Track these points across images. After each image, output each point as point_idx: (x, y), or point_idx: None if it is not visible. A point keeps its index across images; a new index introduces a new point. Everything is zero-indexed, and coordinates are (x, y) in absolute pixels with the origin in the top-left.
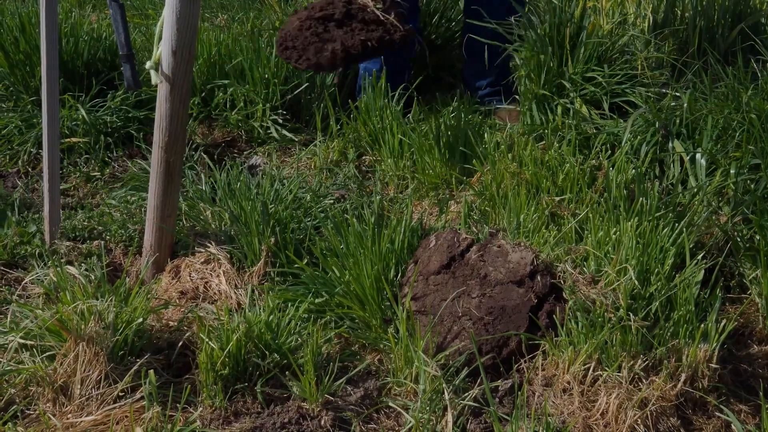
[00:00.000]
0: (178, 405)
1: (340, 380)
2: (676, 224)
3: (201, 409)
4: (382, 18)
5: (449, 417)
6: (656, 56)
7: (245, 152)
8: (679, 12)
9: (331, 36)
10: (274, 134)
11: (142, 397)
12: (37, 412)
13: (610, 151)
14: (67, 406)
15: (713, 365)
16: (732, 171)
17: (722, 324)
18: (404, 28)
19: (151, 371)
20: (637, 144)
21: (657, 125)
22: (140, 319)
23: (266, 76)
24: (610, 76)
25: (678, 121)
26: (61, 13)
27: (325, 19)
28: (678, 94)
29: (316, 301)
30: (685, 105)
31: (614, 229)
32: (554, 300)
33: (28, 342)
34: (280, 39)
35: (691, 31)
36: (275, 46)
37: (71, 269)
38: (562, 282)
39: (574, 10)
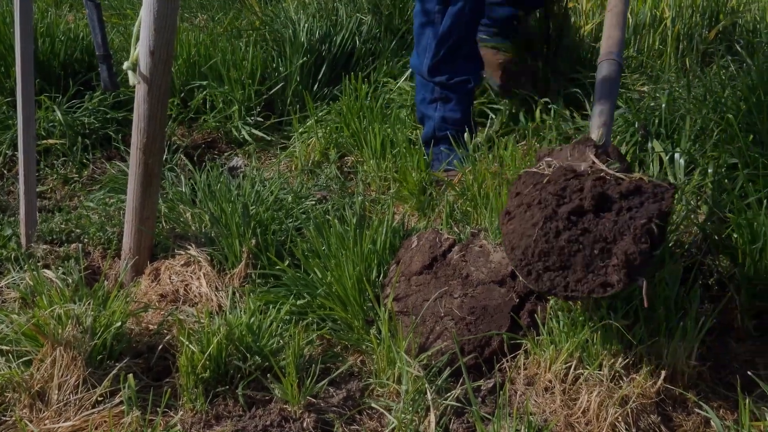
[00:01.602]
0: (158, 409)
1: (323, 382)
2: None
3: (182, 412)
4: (636, 183)
5: (432, 417)
6: (635, 57)
7: (225, 153)
8: (657, 13)
9: (596, 235)
10: (246, 137)
11: (121, 402)
12: (14, 418)
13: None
14: (44, 412)
15: (692, 362)
16: (710, 170)
17: (701, 322)
18: (669, 184)
19: (130, 375)
20: (617, 143)
21: (636, 125)
22: (119, 323)
23: (242, 77)
24: (592, 77)
25: (657, 121)
26: (36, 12)
27: (573, 213)
28: (657, 95)
29: (298, 302)
30: (663, 105)
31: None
32: (535, 299)
33: (4, 347)
34: (521, 261)
35: (670, 31)
36: (517, 272)
37: (48, 273)
38: None
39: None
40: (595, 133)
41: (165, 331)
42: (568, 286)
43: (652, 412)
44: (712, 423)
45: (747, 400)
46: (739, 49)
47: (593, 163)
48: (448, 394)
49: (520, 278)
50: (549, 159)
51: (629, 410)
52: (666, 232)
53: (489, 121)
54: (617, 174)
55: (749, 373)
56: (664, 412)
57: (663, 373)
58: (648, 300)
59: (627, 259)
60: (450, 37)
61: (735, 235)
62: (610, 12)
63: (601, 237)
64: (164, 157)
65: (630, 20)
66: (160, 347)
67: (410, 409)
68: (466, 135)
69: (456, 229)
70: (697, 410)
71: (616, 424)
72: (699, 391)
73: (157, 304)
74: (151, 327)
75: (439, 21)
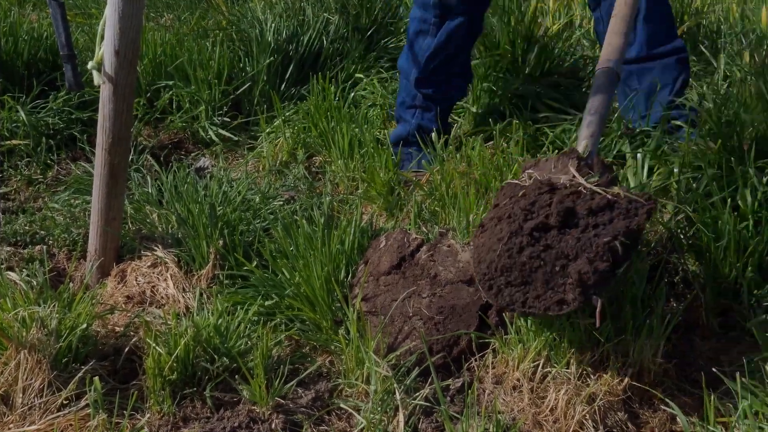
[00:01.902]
0: (124, 412)
1: (291, 383)
2: None
3: (149, 415)
4: (611, 197)
5: (401, 417)
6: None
7: (192, 154)
8: None
9: (558, 252)
10: (214, 137)
11: (87, 405)
12: None
13: (557, 151)
14: (8, 416)
15: (659, 360)
16: (675, 170)
17: (667, 319)
18: (646, 199)
19: (96, 378)
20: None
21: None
22: (84, 325)
23: (209, 77)
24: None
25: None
26: None
27: (541, 229)
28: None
29: (266, 303)
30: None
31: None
32: None
33: None
34: (484, 275)
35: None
36: (479, 285)
37: (12, 275)
38: None
39: (526, 12)
40: (581, 145)
41: (131, 333)
42: (525, 303)
43: (619, 410)
44: (678, 419)
45: (712, 397)
46: (703, 50)
47: (573, 176)
48: (417, 393)
49: (482, 293)
50: (531, 171)
51: (596, 408)
52: (634, 249)
53: (457, 121)
54: (594, 188)
55: (714, 369)
56: (630, 409)
57: (630, 370)
58: (600, 320)
59: (580, 279)
60: (443, 52)
61: (699, 234)
62: (614, 17)
63: (563, 254)
64: (130, 157)
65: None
66: (127, 349)
67: (379, 409)
68: (433, 135)
69: (424, 229)
70: (663, 407)
71: (584, 421)
72: (665, 388)
73: (123, 306)
74: (117, 329)
75: (434, 33)
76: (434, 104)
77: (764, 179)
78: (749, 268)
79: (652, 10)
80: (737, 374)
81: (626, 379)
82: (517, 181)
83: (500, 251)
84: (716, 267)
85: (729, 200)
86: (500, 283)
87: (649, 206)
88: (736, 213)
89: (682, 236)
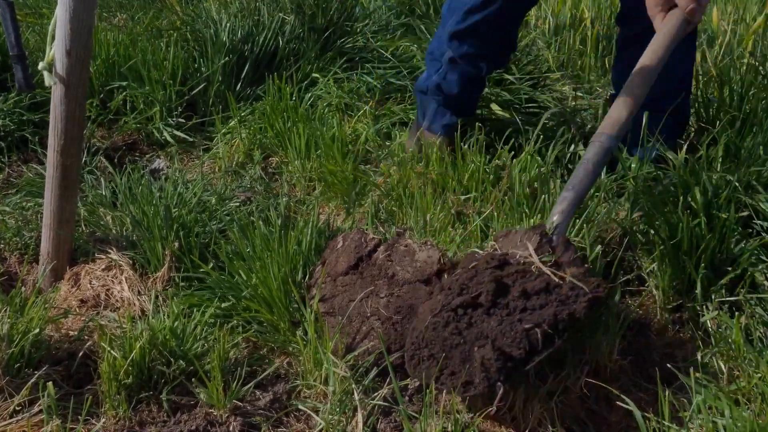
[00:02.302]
0: (79, 417)
1: (249, 385)
2: (577, 220)
3: (104, 420)
4: (556, 280)
5: (359, 417)
6: (558, 56)
7: (147, 155)
8: (578, 14)
9: (479, 332)
10: (168, 138)
11: (40, 411)
12: None
13: (514, 152)
14: None
15: (614, 357)
16: (633, 166)
17: (622, 317)
18: (592, 287)
19: (50, 383)
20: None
21: (569, 125)
22: (37, 330)
23: (163, 77)
24: (519, 79)
25: (580, 121)
26: None
27: (469, 306)
28: (580, 93)
29: (223, 305)
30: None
31: (518, 226)
32: None
33: None
34: (412, 344)
35: (590, 32)
36: (406, 353)
37: None
38: None
39: None
40: (551, 220)
41: (86, 337)
42: (439, 378)
43: (576, 407)
44: (634, 414)
45: (667, 392)
46: None
47: (529, 253)
48: (376, 393)
49: (406, 362)
50: (497, 242)
51: (554, 406)
52: (562, 336)
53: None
54: (544, 269)
55: (668, 365)
56: (587, 406)
57: (586, 368)
58: (496, 408)
59: (483, 364)
60: (486, 8)
61: (652, 232)
62: (625, 87)
63: (483, 334)
64: (83, 159)
65: (551, 21)
66: (81, 354)
67: (338, 409)
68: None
69: (381, 229)
70: (619, 403)
71: (542, 419)
72: (621, 385)
73: (77, 309)
74: (71, 333)
75: None
76: (463, 67)
77: (714, 178)
78: (702, 265)
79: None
80: (691, 369)
81: (583, 377)
82: (480, 251)
83: (428, 323)
84: (670, 264)
85: (682, 198)
86: (423, 355)
87: (593, 295)
88: (689, 211)
89: (637, 234)
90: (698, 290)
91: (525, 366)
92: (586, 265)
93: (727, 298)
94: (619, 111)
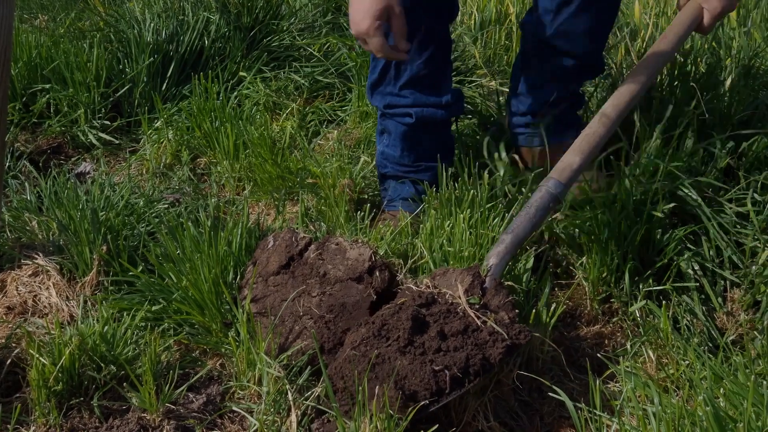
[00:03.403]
0: (8, 426)
1: (181, 387)
2: (506, 214)
3: (34, 428)
4: (478, 323)
5: (293, 417)
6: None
7: (73, 159)
8: (503, 9)
9: (389, 367)
10: (94, 141)
11: None
12: None
13: None
14: None
15: (546, 348)
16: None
17: (552, 308)
18: (512, 333)
19: None
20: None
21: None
22: None
23: (87, 79)
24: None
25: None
26: None
27: (387, 338)
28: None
29: (153, 308)
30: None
31: (448, 222)
32: (394, 294)
33: None
34: (331, 375)
35: (515, 27)
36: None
37: None
38: (401, 276)
39: None
40: (487, 262)
41: (13, 345)
42: (347, 412)
43: (509, 399)
44: (566, 404)
45: (598, 382)
46: None
47: (459, 294)
48: (310, 392)
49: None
50: (434, 280)
51: (487, 400)
52: (470, 382)
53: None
54: (469, 310)
55: (599, 355)
56: (521, 398)
57: (518, 360)
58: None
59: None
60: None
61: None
62: (583, 133)
63: (395, 371)
64: (6, 164)
65: (476, 16)
66: (9, 362)
67: (272, 410)
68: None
69: (312, 228)
70: (551, 394)
71: (476, 413)
72: (553, 376)
73: (4, 317)
74: None
75: None
76: (390, 124)
77: (638, 170)
78: (629, 256)
79: None
80: (621, 358)
81: (515, 369)
82: (412, 287)
83: (347, 354)
84: (598, 256)
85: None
86: (338, 386)
87: (511, 342)
88: (614, 203)
89: (563, 235)
90: (626, 281)
91: (429, 407)
92: (515, 311)
93: (655, 288)
94: (572, 156)
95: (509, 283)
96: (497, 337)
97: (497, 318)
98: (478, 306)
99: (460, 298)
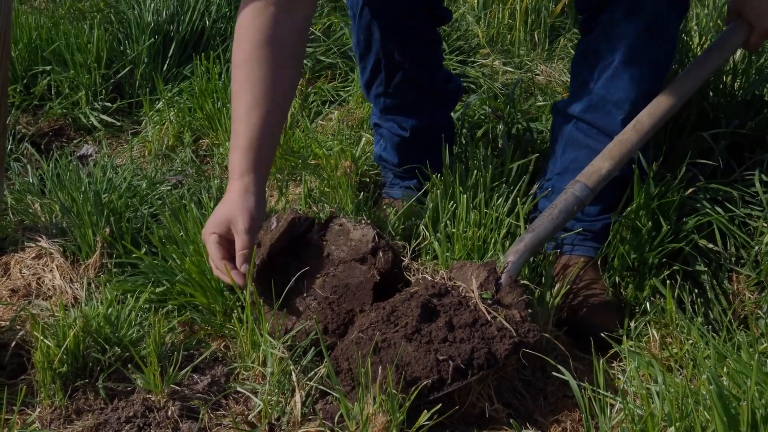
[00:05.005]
0: (14, 408)
1: (186, 369)
2: (510, 195)
3: (39, 409)
4: (488, 317)
5: (297, 398)
6: (488, 31)
7: (74, 141)
8: None
9: (393, 352)
10: (96, 123)
11: None
12: None
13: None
14: None
15: (550, 328)
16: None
17: (556, 288)
18: (521, 331)
19: None
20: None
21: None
22: None
23: (88, 61)
24: (449, 54)
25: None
26: None
27: (395, 324)
28: (510, 68)
29: (157, 290)
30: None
31: (451, 202)
32: (398, 275)
33: None
34: (337, 355)
35: (519, 6)
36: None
37: None
38: (405, 257)
39: None
40: (505, 259)
41: (18, 327)
42: (348, 394)
43: (513, 379)
44: (570, 383)
45: (601, 362)
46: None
47: (472, 287)
48: (313, 373)
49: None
50: (451, 272)
51: (491, 381)
52: (473, 375)
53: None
54: (481, 304)
55: (603, 335)
56: (525, 378)
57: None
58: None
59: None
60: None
61: None
62: (616, 138)
63: (399, 357)
64: (8, 146)
65: None
66: (14, 344)
67: (276, 390)
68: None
69: (315, 209)
70: (555, 374)
71: (480, 396)
72: (557, 355)
73: (8, 299)
74: (2, 324)
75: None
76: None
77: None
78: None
79: None
80: (624, 338)
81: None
82: (427, 278)
83: (354, 336)
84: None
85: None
86: (343, 367)
87: (519, 340)
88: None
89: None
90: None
91: (428, 396)
92: (528, 310)
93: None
94: (601, 161)
95: (524, 281)
96: (505, 333)
97: (508, 315)
98: (490, 301)
99: (473, 291)
